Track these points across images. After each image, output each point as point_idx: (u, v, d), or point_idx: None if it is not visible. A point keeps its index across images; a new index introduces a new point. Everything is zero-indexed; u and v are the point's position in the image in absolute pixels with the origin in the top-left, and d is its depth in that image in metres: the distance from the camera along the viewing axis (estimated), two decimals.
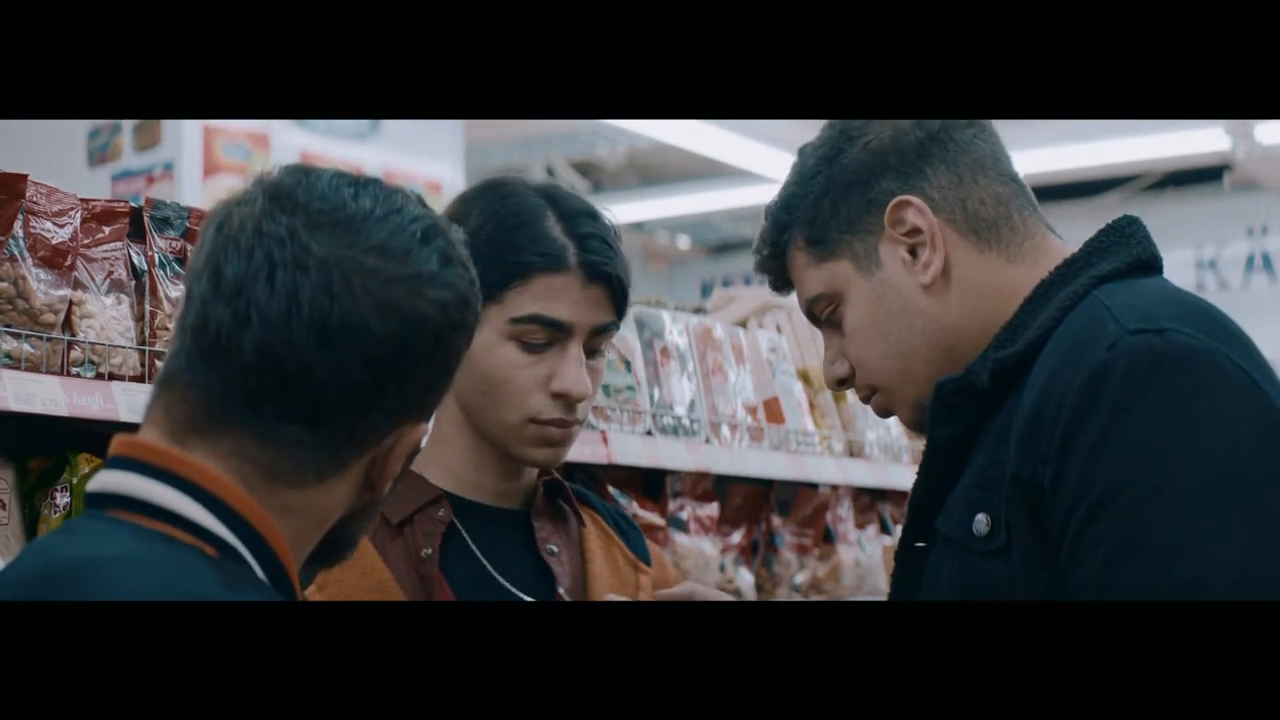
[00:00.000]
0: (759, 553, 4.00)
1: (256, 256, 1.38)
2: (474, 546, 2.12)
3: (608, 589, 2.20)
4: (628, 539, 2.33)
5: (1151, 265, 1.88)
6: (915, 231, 1.90)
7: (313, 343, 1.37)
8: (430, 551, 2.09)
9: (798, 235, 1.98)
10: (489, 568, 2.12)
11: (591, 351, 2.15)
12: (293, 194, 1.42)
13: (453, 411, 2.18)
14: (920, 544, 1.92)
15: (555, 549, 2.18)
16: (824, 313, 2.00)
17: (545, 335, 2.10)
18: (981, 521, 1.77)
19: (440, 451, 2.18)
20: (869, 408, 2.03)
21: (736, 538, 3.88)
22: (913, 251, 1.91)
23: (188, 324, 1.41)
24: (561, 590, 2.14)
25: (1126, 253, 1.86)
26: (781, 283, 2.06)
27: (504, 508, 2.19)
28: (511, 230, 2.10)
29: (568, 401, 2.11)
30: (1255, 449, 1.63)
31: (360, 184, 1.45)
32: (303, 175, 1.44)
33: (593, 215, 2.16)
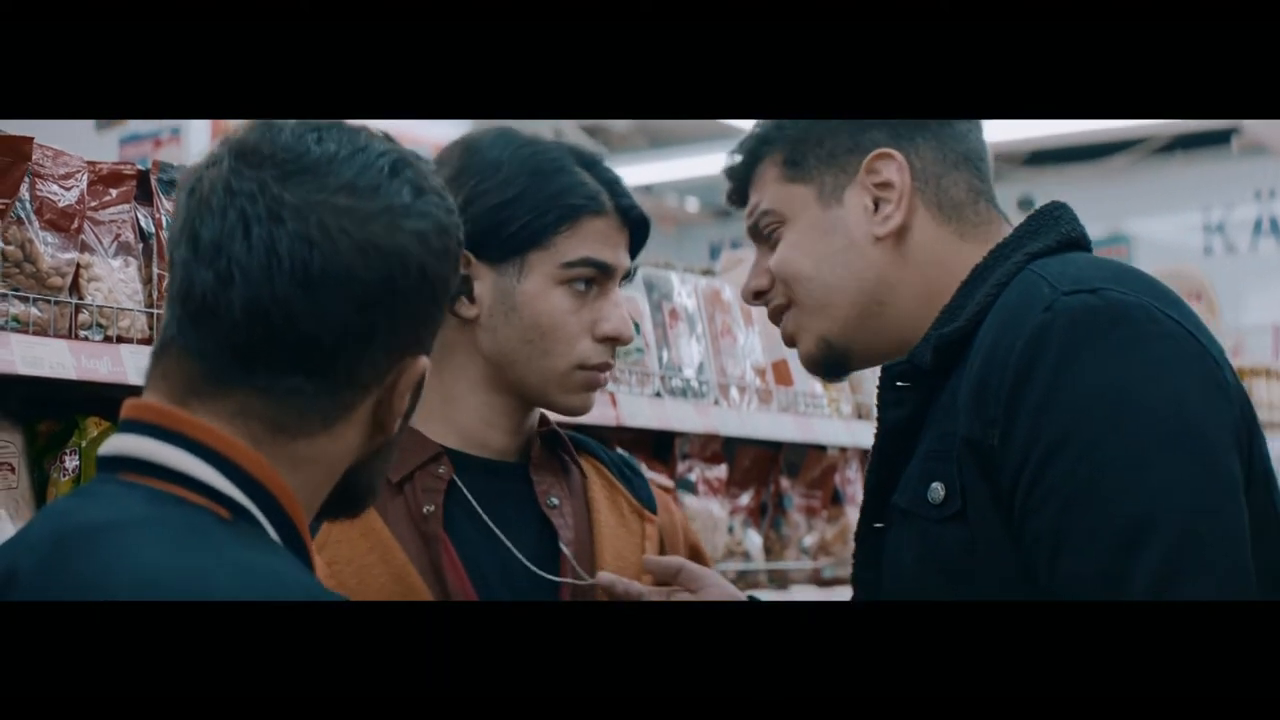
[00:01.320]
0: (767, 514, 4.00)
1: (230, 215, 1.37)
2: (476, 504, 2.10)
3: (613, 539, 2.19)
4: (632, 486, 2.29)
5: (1080, 244, 1.94)
6: (886, 185, 1.95)
7: (297, 292, 1.37)
8: (433, 509, 2.07)
9: (777, 151, 2.03)
10: (491, 525, 2.10)
11: None
12: (258, 149, 1.41)
13: (466, 368, 2.14)
14: (879, 525, 1.95)
15: (556, 501, 2.16)
16: (767, 228, 2.04)
17: (592, 278, 2.11)
18: (937, 490, 1.81)
19: (446, 409, 2.14)
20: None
21: (745, 499, 3.89)
22: (876, 203, 1.96)
23: (174, 292, 1.41)
24: (563, 545, 2.12)
25: (1056, 232, 1.92)
26: (738, 194, 2.11)
27: (504, 461, 2.16)
28: (551, 175, 2.10)
29: (614, 345, 2.13)
30: (1193, 391, 1.70)
31: (323, 129, 1.44)
32: (266, 129, 1.44)
33: (604, 163, 2.18)
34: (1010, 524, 1.73)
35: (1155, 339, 1.71)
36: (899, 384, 1.92)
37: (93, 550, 1.32)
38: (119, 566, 1.30)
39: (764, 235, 2.06)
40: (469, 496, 2.10)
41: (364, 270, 1.38)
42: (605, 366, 2.14)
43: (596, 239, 2.10)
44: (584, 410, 2.16)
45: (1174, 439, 1.66)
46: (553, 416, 2.23)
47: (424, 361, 1.48)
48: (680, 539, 2.33)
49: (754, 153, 2.07)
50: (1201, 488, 1.65)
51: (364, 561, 2.03)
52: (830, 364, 2.06)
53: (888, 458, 1.94)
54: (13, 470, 2.30)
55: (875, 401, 1.98)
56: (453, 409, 2.15)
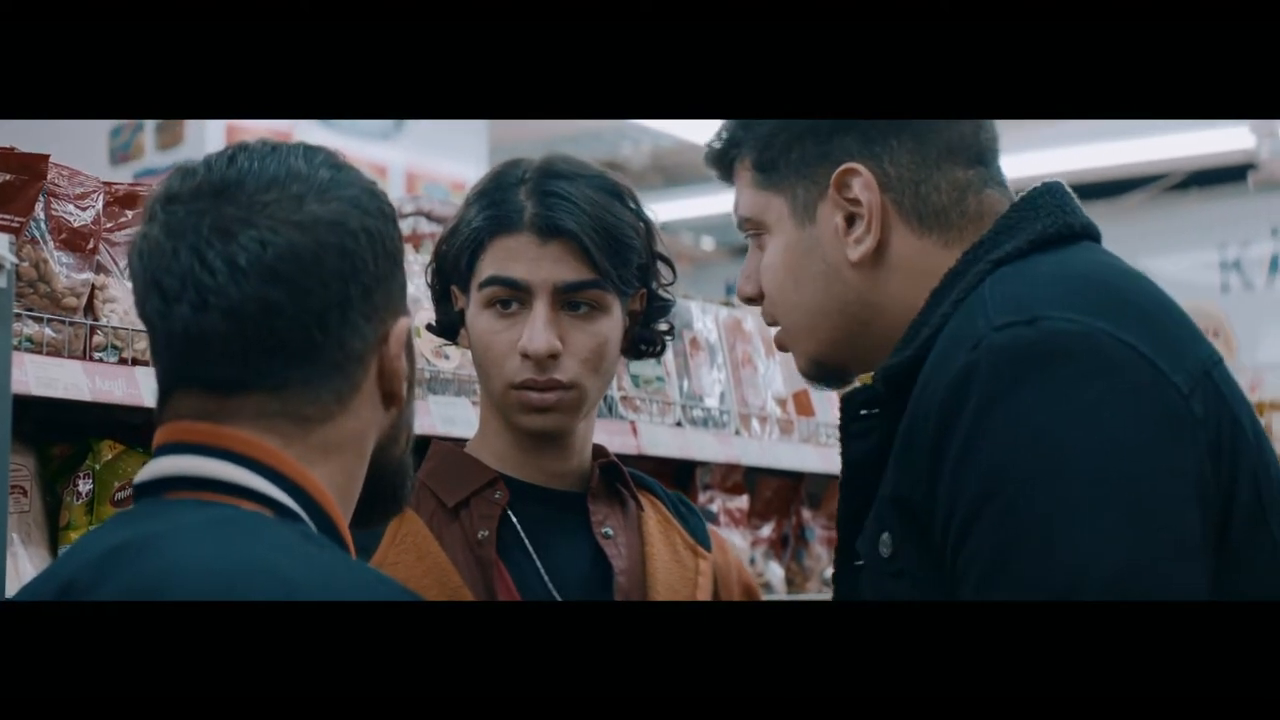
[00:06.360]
0: (789, 546, 3.98)
1: (182, 253, 1.41)
2: (523, 533, 2.13)
3: (667, 572, 2.20)
4: (687, 523, 2.30)
5: (1056, 240, 1.75)
6: (856, 202, 1.78)
7: (268, 289, 1.41)
8: (487, 534, 2.10)
9: (747, 154, 1.88)
10: (534, 556, 2.12)
11: (574, 306, 2.11)
12: (179, 193, 1.45)
13: (481, 396, 2.21)
14: (859, 562, 1.76)
15: (610, 532, 2.18)
16: (748, 233, 1.91)
17: (509, 296, 2.09)
18: (886, 541, 1.67)
19: (487, 438, 2.20)
20: None
21: (767, 531, 3.87)
22: (849, 220, 1.80)
23: (159, 345, 1.46)
24: (617, 573, 2.14)
25: (1030, 229, 1.74)
26: (726, 178, 1.94)
27: (560, 490, 2.19)
28: (476, 202, 2.14)
29: (535, 361, 2.08)
30: (1135, 434, 1.52)
31: (231, 153, 1.48)
32: (177, 177, 1.47)
33: (569, 177, 2.12)
34: (950, 587, 1.58)
35: (1094, 375, 1.53)
36: (863, 414, 1.78)
37: (151, 554, 1.34)
38: (181, 565, 1.32)
39: (750, 235, 1.92)
40: (517, 527, 2.13)
41: (315, 246, 1.43)
42: (532, 384, 2.09)
43: (506, 256, 2.09)
44: (543, 430, 2.14)
45: (1107, 493, 1.49)
46: (609, 448, 2.27)
47: (405, 321, 1.52)
48: (734, 578, 2.35)
49: (725, 155, 1.92)
50: (1138, 548, 1.48)
51: (420, 584, 2.05)
52: (827, 378, 1.93)
53: (854, 492, 1.79)
54: (25, 493, 2.27)
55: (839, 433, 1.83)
56: (489, 437, 2.20)
